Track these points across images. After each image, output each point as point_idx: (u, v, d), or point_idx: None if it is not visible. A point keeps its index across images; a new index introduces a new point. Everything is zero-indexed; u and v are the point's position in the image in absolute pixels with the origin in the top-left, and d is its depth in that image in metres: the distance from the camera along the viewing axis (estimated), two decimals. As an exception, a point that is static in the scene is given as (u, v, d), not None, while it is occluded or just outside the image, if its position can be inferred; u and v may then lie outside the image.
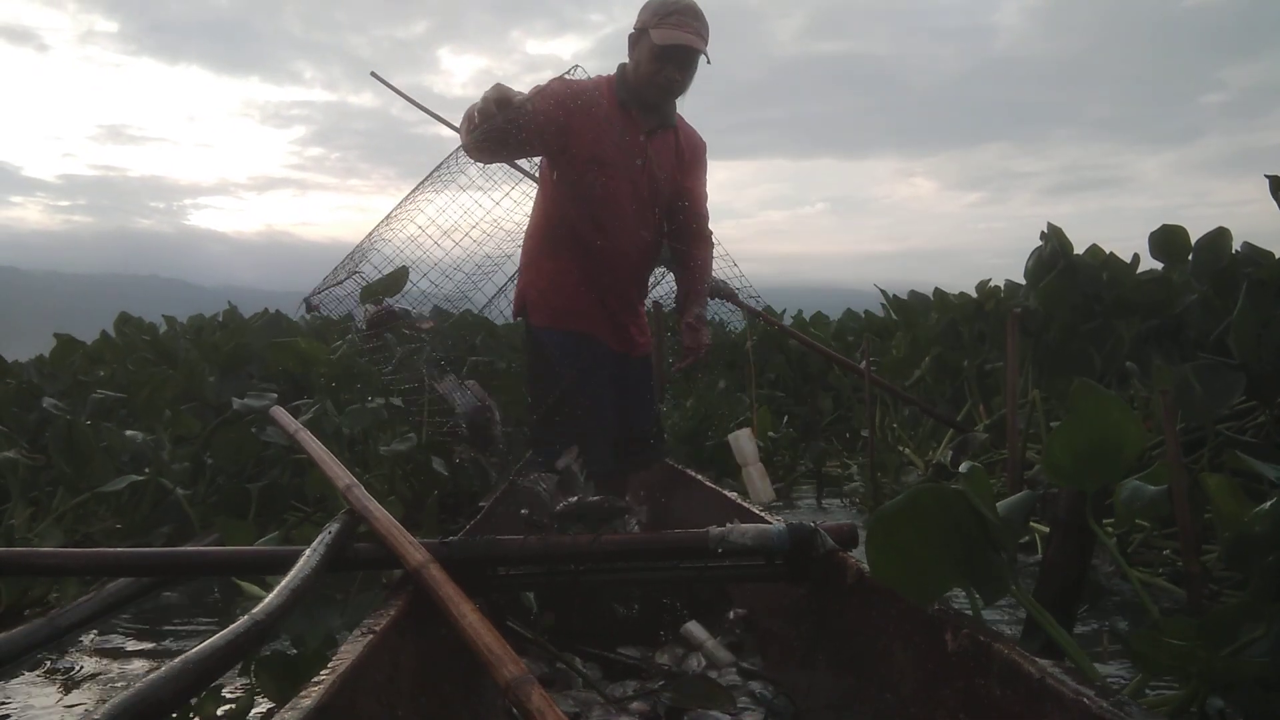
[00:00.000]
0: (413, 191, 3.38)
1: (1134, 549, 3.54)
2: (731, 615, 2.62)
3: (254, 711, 2.32)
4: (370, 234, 3.48)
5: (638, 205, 3.09)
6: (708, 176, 3.34)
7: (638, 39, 3.01)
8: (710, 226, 3.36)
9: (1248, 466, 2.03)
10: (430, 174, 3.34)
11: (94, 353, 7.52)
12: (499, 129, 2.72)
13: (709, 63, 3.00)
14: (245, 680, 2.37)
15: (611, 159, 3.02)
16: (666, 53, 2.91)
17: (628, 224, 3.08)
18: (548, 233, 3.15)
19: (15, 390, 5.86)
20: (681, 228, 3.24)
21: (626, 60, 3.10)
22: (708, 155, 3.34)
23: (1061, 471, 1.89)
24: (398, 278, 4.61)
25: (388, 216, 3.44)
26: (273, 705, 2.25)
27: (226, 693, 2.36)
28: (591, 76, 3.18)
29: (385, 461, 4.40)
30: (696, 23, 2.91)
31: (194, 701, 2.24)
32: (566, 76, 3.11)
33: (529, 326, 3.21)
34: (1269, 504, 1.74)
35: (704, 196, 3.32)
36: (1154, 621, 1.70)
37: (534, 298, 3.18)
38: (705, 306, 3.29)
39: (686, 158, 3.21)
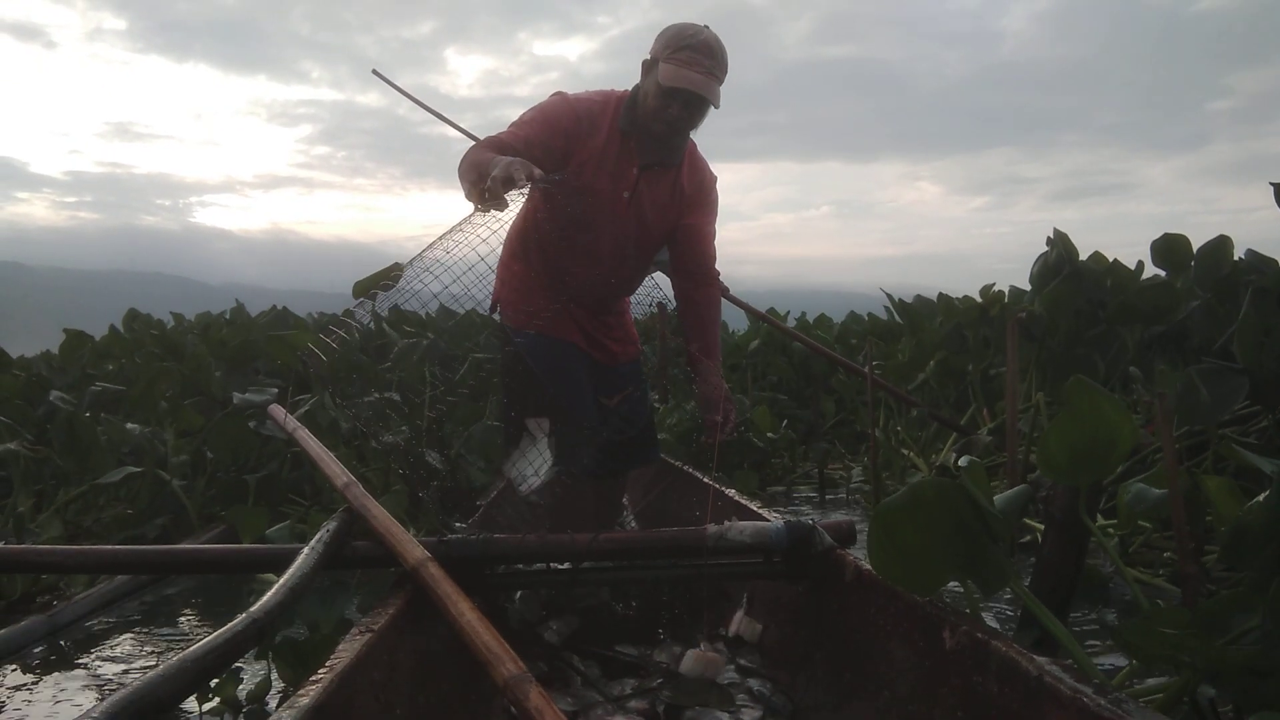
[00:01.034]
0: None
1: (1135, 549, 3.57)
2: (736, 627, 2.53)
3: (271, 692, 2.37)
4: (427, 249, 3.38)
5: (616, 238, 2.92)
6: (717, 213, 3.12)
7: (649, 68, 2.81)
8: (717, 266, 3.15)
9: (1244, 459, 2.06)
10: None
11: (103, 348, 7.57)
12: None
13: (716, 108, 2.77)
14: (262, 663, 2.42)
15: (597, 187, 2.85)
16: (671, 93, 2.72)
17: (601, 255, 2.90)
18: (523, 239, 3.05)
19: (25, 383, 5.89)
20: (684, 269, 3.09)
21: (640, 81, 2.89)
22: (718, 190, 3.11)
23: (1056, 467, 1.90)
24: (391, 273, 4.59)
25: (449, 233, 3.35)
26: (287, 688, 2.29)
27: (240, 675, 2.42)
28: (601, 91, 2.99)
29: (381, 455, 4.39)
30: (709, 61, 2.69)
31: (214, 683, 2.33)
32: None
33: (503, 325, 3.16)
34: (1263, 496, 1.75)
35: (709, 234, 3.10)
36: (1146, 612, 1.72)
37: (507, 297, 3.11)
38: (719, 371, 3.03)
39: (688, 195, 3.00)
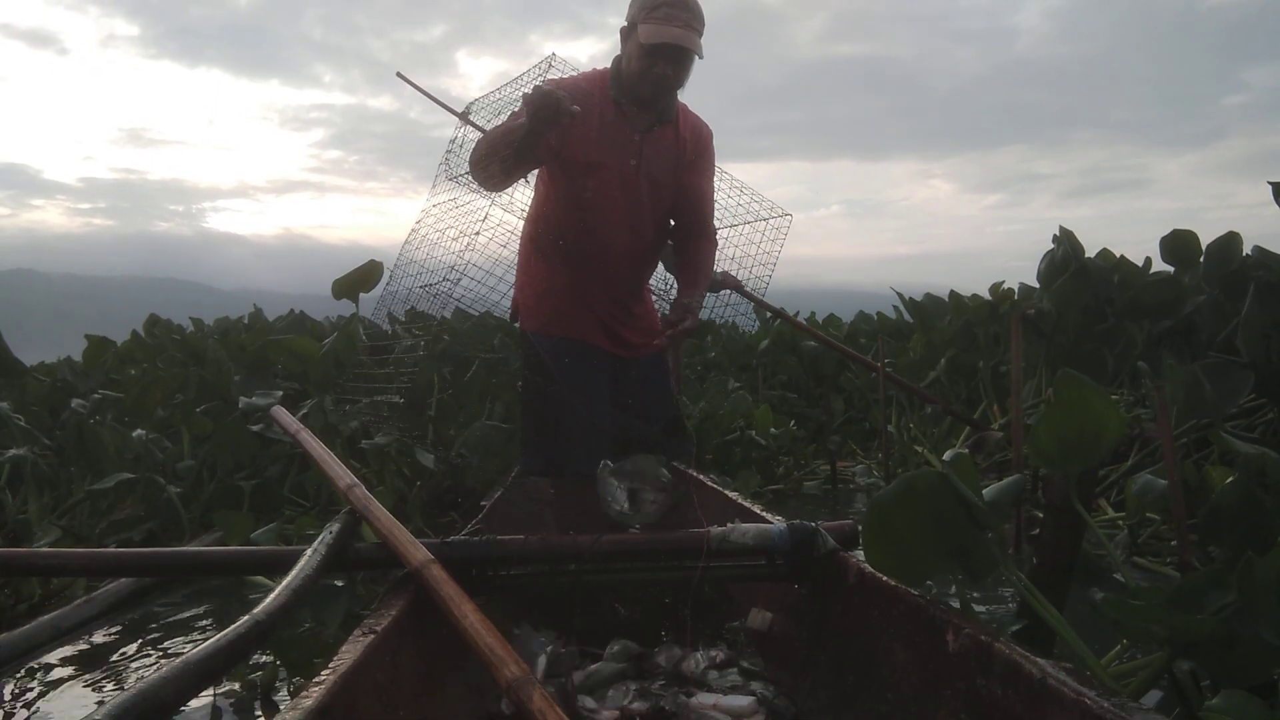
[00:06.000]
0: (433, 190, 3.32)
1: (1144, 539, 3.60)
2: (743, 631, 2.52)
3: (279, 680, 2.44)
4: (410, 237, 3.41)
5: (631, 208, 2.95)
6: (715, 167, 3.18)
7: (628, 34, 2.86)
8: (716, 223, 3.19)
9: (1229, 446, 2.09)
10: (440, 171, 3.27)
11: (125, 353, 7.59)
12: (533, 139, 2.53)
13: (700, 57, 2.83)
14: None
15: (603, 161, 2.88)
16: (654, 50, 2.77)
17: (620, 229, 2.94)
18: (538, 238, 3.05)
19: (49, 390, 5.93)
20: (684, 225, 3.11)
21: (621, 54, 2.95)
22: (714, 146, 3.17)
23: (1047, 457, 1.94)
24: (370, 271, 4.58)
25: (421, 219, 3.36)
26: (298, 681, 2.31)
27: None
28: (583, 73, 3.02)
29: (376, 457, 4.40)
30: (686, 14, 2.74)
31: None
32: (554, 74, 3.00)
33: (522, 332, 3.16)
34: (1232, 479, 1.78)
35: (709, 192, 3.14)
36: (1131, 590, 1.74)
37: (526, 302, 3.11)
38: (699, 299, 3.04)
39: (688, 152, 3.04)
